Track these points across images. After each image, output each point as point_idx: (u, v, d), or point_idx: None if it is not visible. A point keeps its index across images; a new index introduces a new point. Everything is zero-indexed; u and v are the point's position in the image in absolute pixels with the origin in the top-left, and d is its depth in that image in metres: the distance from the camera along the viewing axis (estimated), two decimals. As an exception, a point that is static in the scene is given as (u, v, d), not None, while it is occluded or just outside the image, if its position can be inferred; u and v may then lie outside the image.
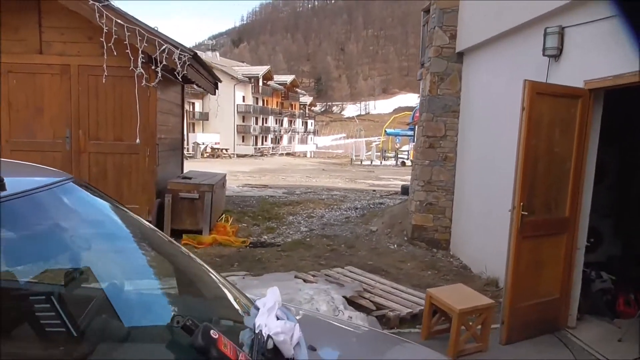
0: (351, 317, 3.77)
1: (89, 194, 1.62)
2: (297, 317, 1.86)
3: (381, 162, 37.26)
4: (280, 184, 14.36)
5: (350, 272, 5.30)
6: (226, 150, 39.02)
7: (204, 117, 43.06)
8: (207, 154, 35.70)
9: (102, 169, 6.11)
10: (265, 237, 7.51)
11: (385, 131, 42.84)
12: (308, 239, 7.35)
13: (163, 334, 1.36)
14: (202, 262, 1.88)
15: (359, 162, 36.55)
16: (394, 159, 38.04)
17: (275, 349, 1.42)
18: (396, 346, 1.87)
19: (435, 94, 6.75)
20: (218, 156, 35.96)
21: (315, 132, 70.49)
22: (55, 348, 1.26)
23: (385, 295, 4.58)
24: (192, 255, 1.91)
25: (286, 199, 11.37)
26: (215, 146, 38.40)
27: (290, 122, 59.19)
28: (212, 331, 1.14)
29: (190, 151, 33.33)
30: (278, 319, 1.57)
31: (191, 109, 41.59)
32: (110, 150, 6.11)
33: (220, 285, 1.87)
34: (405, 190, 10.75)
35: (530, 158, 3.62)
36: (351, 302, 4.30)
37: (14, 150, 5.83)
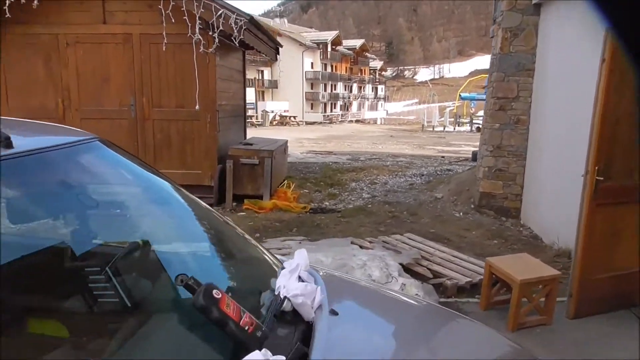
0: (404, 285, 3.66)
1: (116, 153, 1.61)
2: (331, 282, 1.79)
3: (454, 128, 35.82)
4: (345, 151, 14.26)
5: (410, 239, 5.15)
6: (294, 117, 39.38)
7: (273, 84, 43.58)
8: (276, 122, 36.26)
9: (166, 136, 6.34)
10: (327, 203, 7.50)
11: (459, 95, 40.96)
12: (369, 206, 7.25)
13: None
14: (232, 223, 1.84)
15: (431, 129, 35.39)
16: (468, 124, 36.36)
17: (295, 312, 1.37)
18: (433, 317, 1.75)
19: (507, 52, 6.22)
20: (286, 124, 36.43)
21: (385, 98, 68.97)
22: (109, 319, 1.28)
23: (444, 263, 4.40)
24: (222, 217, 1.89)
25: (350, 166, 11.28)
26: (283, 114, 38.88)
27: (359, 88, 58.29)
28: (214, 291, 1.09)
29: (259, 119, 34.01)
30: (303, 281, 1.51)
31: (260, 77, 42.22)
32: (172, 117, 6.31)
33: (251, 247, 1.83)
34: (475, 156, 10.24)
35: (609, 117, 3.21)
36: (407, 270, 4.19)
37: (84, 119, 6.20)
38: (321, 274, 1.76)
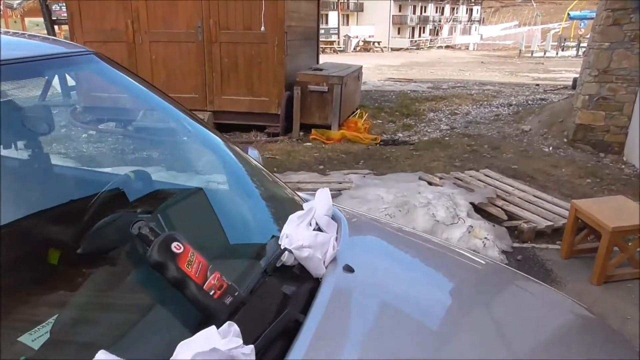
0: (472, 227, 3.29)
1: (114, 68, 1.40)
2: (360, 229, 1.52)
3: (557, 53, 32.10)
4: (427, 78, 13.29)
5: (486, 175, 4.67)
6: (378, 43, 37.49)
7: (359, 7, 41.49)
8: (359, 48, 34.85)
9: (233, 60, 6.15)
10: (400, 134, 7.06)
11: (568, 14, 36.27)
12: (446, 138, 6.71)
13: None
14: (247, 156, 1.60)
15: (529, 54, 32.05)
16: (574, 48, 32.33)
17: (303, 268, 1.13)
18: (487, 278, 1.43)
19: (628, -48, 5.11)
20: (369, 50, 34.89)
21: (480, 21, 63.07)
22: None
23: (522, 204, 3.93)
24: (234, 146, 1.64)
25: (429, 94, 10.51)
26: (368, 39, 37.15)
27: (452, 10, 53.75)
28: (174, 244, 0.87)
29: (341, 45, 32.85)
30: (319, 229, 1.26)
31: (345, 0, 40.29)
32: (240, 40, 6.06)
33: (270, 184, 1.59)
34: (575, 83, 9.03)
35: None
36: (478, 210, 3.79)
37: (153, 42, 6.16)
38: (348, 217, 1.49)
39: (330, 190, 3.99)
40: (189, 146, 1.56)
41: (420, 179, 4.48)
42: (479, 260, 1.52)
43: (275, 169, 5.17)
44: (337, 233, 1.32)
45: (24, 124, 1.05)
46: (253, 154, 1.73)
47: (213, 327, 0.76)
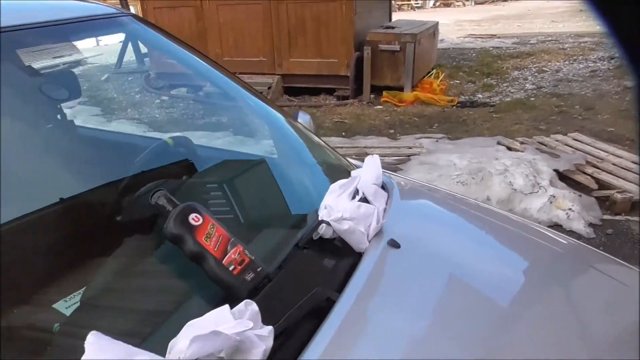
0: (554, 197, 2.99)
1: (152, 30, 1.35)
2: (414, 200, 1.39)
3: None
4: (512, 33, 12.20)
5: (575, 140, 4.22)
6: (461, -3, 35.08)
7: (439, -39, 38.97)
8: (439, 3, 32.90)
9: (300, 20, 5.99)
10: (479, 95, 6.59)
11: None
12: (532, 99, 6.16)
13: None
14: (280, 112, 1.50)
15: None
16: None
17: (344, 242, 1.03)
18: (563, 263, 1.24)
19: None
20: (449, 5, 32.82)
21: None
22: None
23: (617, 171, 3.50)
24: (281, 110, 1.55)
25: (514, 50, 9.66)
26: (449, -6, 34.87)
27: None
28: (192, 215, 0.81)
29: (418, 1, 31.17)
30: (365, 199, 1.15)
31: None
32: (307, -1, 5.89)
33: (321, 152, 1.49)
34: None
35: None
36: (563, 178, 3.44)
37: (220, 4, 6.14)
38: (402, 187, 1.37)
39: (399, 156, 3.83)
40: (232, 111, 1.51)
41: (498, 143, 4.15)
42: (554, 236, 1.33)
43: (343, 133, 5.06)
44: (385, 204, 1.21)
45: (42, 90, 1.04)
46: (304, 119, 1.63)
47: (226, 306, 0.70)
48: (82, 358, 0.55)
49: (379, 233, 1.07)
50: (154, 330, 0.74)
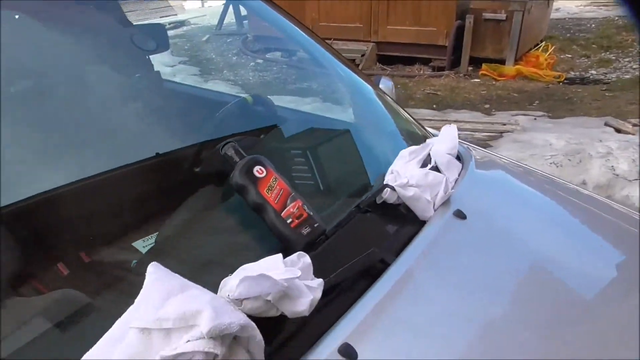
0: (665, 187, 2.67)
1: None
2: (489, 171, 1.32)
3: None
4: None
5: (703, 126, 3.71)
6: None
7: None
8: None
9: (399, -14, 5.80)
10: (592, 72, 5.99)
11: None
12: (657, 77, 5.48)
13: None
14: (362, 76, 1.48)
15: None
16: None
17: (409, 210, 1.03)
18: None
19: None
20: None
21: None
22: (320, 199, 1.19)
23: None
24: (363, 75, 1.53)
25: (645, 23, 8.54)
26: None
27: None
28: (257, 167, 0.85)
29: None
30: (436, 168, 1.12)
31: None
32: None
33: (399, 119, 1.46)
34: None
35: None
36: (680, 167, 3.05)
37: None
38: (479, 159, 1.31)
39: (490, 132, 3.65)
40: (322, 77, 1.51)
41: (606, 124, 3.77)
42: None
43: (434, 106, 4.90)
44: (458, 175, 1.17)
45: (133, 40, 1.11)
46: (385, 85, 1.61)
47: (279, 255, 0.73)
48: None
49: (446, 203, 1.04)
50: (211, 271, 0.80)
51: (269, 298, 0.66)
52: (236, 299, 0.65)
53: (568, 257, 1.01)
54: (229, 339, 0.60)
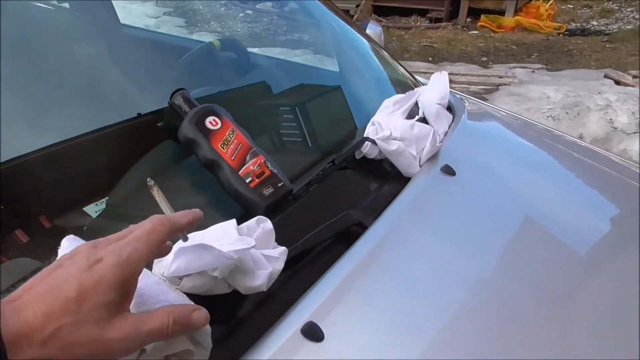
0: (666, 141, 2.57)
1: None
2: (481, 122, 1.20)
3: None
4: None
5: None
6: None
7: None
8: None
9: None
10: (593, 23, 5.76)
11: None
12: (660, 27, 5.28)
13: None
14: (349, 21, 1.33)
15: None
16: None
17: (390, 163, 0.91)
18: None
19: None
20: None
21: None
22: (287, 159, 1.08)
23: None
24: (350, 20, 1.38)
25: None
26: None
27: None
28: (210, 118, 0.73)
29: None
30: (424, 120, 1.00)
31: None
32: None
33: (387, 67, 1.32)
34: None
35: None
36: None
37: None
38: (472, 110, 1.19)
39: (486, 85, 3.51)
40: (313, 28, 1.37)
41: (605, 77, 3.63)
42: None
43: (430, 59, 4.71)
44: (448, 127, 1.05)
45: None
46: (374, 30, 1.46)
47: (233, 221, 0.62)
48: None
49: (433, 158, 0.93)
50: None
51: (215, 274, 0.55)
52: (173, 277, 0.54)
53: (565, 212, 0.91)
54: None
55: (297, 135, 1.05)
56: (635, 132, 2.59)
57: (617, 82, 3.46)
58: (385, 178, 0.90)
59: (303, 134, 1.05)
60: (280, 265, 0.61)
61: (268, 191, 0.71)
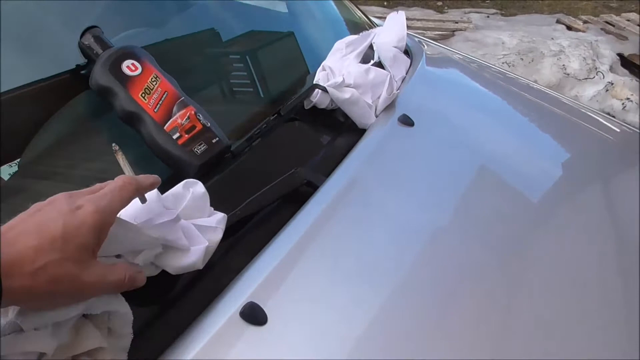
0: (612, 84, 2.61)
1: None
2: (440, 67, 1.12)
3: None
4: None
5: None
6: None
7: None
8: None
9: None
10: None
11: None
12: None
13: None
14: None
15: None
16: None
17: (343, 113, 0.82)
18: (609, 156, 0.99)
19: None
20: None
21: None
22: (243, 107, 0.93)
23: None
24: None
25: None
26: None
27: None
28: (127, 62, 0.60)
29: None
30: (379, 64, 0.90)
31: None
32: None
33: (341, 8, 1.20)
34: None
35: None
36: (628, 64, 2.99)
37: None
38: (431, 54, 1.10)
39: (442, 31, 3.41)
40: None
41: (557, 22, 3.62)
42: (609, 124, 1.08)
43: (385, 3, 4.54)
44: (405, 73, 0.96)
45: None
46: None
47: (154, 190, 0.51)
48: None
49: (390, 107, 0.85)
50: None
51: (137, 261, 0.46)
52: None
53: (523, 160, 0.86)
54: (67, 324, 0.40)
55: (243, 85, 0.93)
56: (586, 78, 2.60)
57: (569, 28, 3.46)
58: (338, 130, 0.82)
59: (249, 84, 0.93)
60: (218, 236, 0.52)
61: (200, 148, 0.60)
